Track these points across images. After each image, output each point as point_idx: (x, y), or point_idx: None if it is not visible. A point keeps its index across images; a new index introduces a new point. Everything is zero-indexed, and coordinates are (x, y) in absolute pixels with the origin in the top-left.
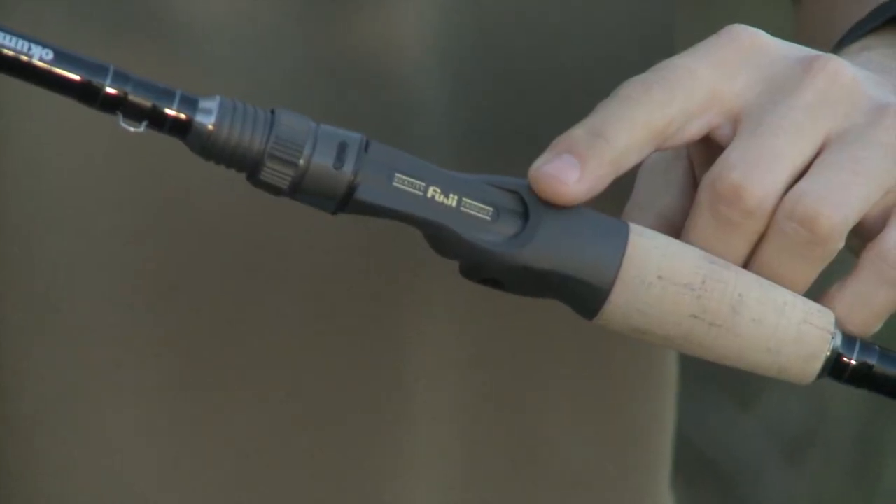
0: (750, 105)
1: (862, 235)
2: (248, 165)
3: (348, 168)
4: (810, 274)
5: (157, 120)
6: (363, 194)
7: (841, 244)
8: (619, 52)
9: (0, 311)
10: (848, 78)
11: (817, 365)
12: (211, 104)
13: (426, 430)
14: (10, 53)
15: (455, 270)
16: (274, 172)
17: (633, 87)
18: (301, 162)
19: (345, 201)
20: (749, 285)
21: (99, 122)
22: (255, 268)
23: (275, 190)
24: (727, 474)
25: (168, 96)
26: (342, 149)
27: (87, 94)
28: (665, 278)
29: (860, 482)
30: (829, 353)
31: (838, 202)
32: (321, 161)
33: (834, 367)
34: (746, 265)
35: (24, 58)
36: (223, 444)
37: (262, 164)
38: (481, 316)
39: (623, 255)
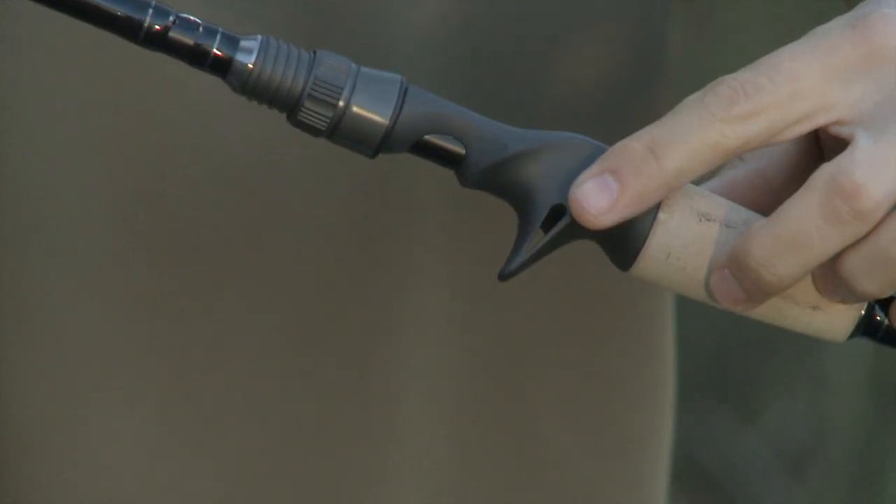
0: (868, 112)
1: None
2: (288, 105)
3: (386, 112)
4: (882, 293)
5: (197, 58)
6: (400, 135)
7: None
8: (611, 46)
9: None
10: None
11: (855, 316)
12: (252, 43)
13: (419, 439)
14: None
15: (451, 277)
16: (312, 114)
17: (718, 96)
18: (340, 104)
19: (382, 145)
20: None
21: (90, 141)
22: (246, 277)
23: (313, 131)
24: (728, 488)
25: (210, 34)
26: (381, 91)
27: (128, 29)
28: (706, 216)
29: (861, 496)
30: (863, 312)
31: None
32: (359, 103)
33: (868, 326)
34: (825, 262)
35: None
36: (216, 451)
37: (301, 104)
38: (477, 324)
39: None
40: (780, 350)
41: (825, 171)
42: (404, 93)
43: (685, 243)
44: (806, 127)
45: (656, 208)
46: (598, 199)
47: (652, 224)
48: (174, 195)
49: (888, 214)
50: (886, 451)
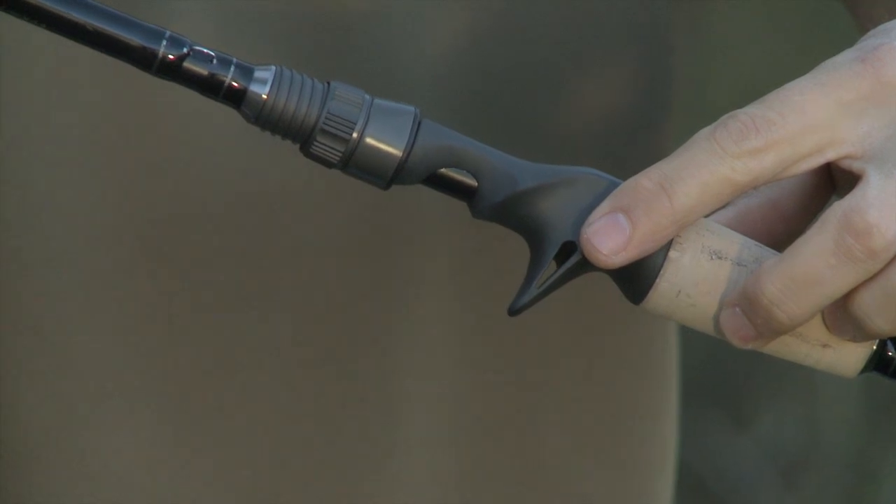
0: (878, 147)
1: None
2: (301, 138)
3: (399, 145)
4: (894, 331)
5: (212, 88)
6: (413, 168)
7: None
8: (613, 48)
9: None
10: None
11: (865, 354)
12: (266, 74)
13: (424, 456)
14: (69, 16)
15: (454, 295)
16: (325, 147)
17: (729, 131)
18: (353, 136)
19: (395, 178)
20: None
21: (98, 152)
22: (251, 289)
23: (326, 164)
24: (722, 494)
25: (224, 64)
26: (395, 124)
27: (143, 59)
28: (717, 254)
29: (854, 503)
30: (874, 347)
31: None
32: (372, 138)
33: (879, 362)
34: (838, 300)
35: (82, 21)
36: (221, 461)
37: (314, 138)
38: (481, 341)
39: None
40: (773, 357)
41: (838, 209)
42: (418, 126)
43: (696, 281)
44: (816, 161)
45: (668, 246)
46: (610, 239)
47: (663, 262)
48: (180, 207)
49: None
50: (879, 459)
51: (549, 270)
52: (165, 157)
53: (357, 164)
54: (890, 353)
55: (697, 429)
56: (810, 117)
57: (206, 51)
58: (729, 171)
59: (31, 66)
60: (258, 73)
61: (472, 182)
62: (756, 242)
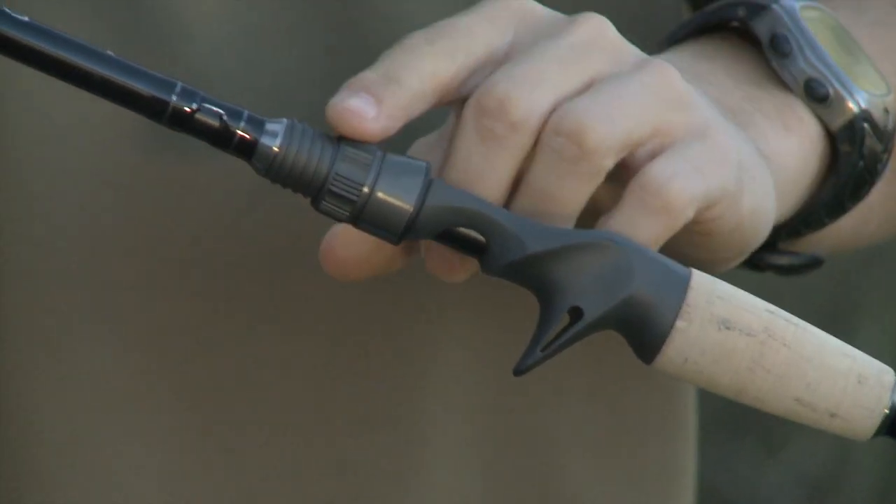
0: (520, 49)
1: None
2: (311, 193)
3: (409, 201)
4: (582, 193)
5: (223, 140)
6: (423, 225)
7: (609, 163)
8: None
9: (9, 357)
10: (613, 33)
11: (874, 422)
12: (277, 127)
13: (445, 473)
14: (79, 64)
15: (476, 314)
16: (333, 206)
17: (419, 39)
18: (359, 199)
19: (406, 233)
20: (808, 339)
21: (105, 171)
22: (270, 310)
23: (336, 219)
24: None
25: (235, 116)
26: (405, 182)
27: (154, 109)
28: (726, 324)
29: None
30: (887, 412)
31: (605, 118)
32: (381, 197)
33: (892, 426)
34: (516, 190)
35: (92, 70)
36: (237, 484)
37: (323, 196)
38: (499, 356)
39: (684, 298)
40: None
41: (470, 100)
42: (429, 183)
43: (703, 350)
44: (482, 77)
45: (676, 314)
46: (365, 108)
47: (670, 330)
48: (199, 219)
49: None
50: None
51: (557, 334)
52: (184, 168)
53: (367, 219)
54: None
55: (729, 455)
56: (472, 32)
57: (217, 102)
58: (433, 66)
59: (44, 77)
60: (269, 126)
61: (483, 240)
62: (768, 307)
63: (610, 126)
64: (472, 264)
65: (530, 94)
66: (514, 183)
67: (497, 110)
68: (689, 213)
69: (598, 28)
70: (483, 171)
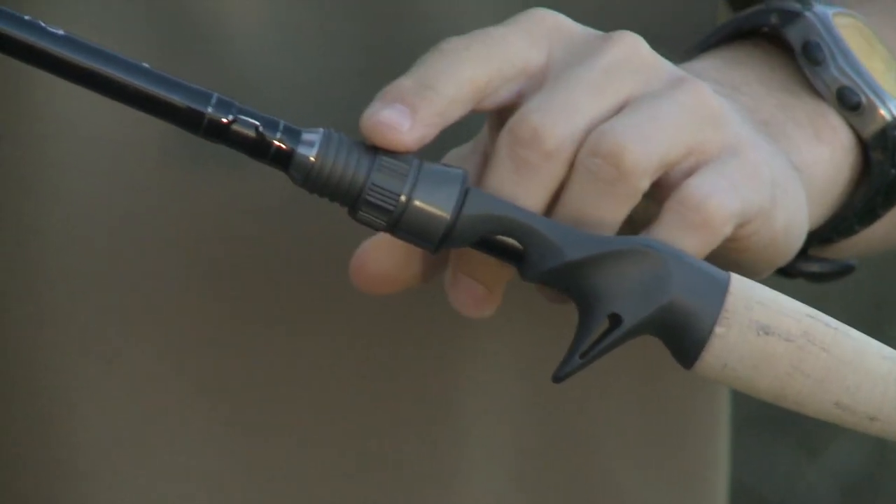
0: (554, 71)
1: (665, 196)
2: (347, 203)
3: (446, 210)
4: (618, 213)
5: (260, 150)
6: (461, 234)
7: (645, 183)
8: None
9: (46, 359)
10: (647, 51)
11: None
12: (313, 136)
13: (483, 475)
14: (116, 77)
15: (511, 312)
16: (371, 215)
17: (455, 44)
18: (396, 208)
19: (443, 242)
20: (847, 342)
21: (149, 174)
22: (310, 314)
23: (373, 228)
24: None
25: (272, 126)
26: (442, 191)
27: (190, 121)
28: (765, 329)
29: None
30: None
31: (641, 139)
32: (419, 206)
33: None
34: (551, 212)
35: (128, 82)
36: (276, 490)
37: (360, 206)
38: (538, 357)
39: (723, 304)
40: None
41: (504, 129)
42: (466, 191)
43: (742, 356)
44: (515, 87)
45: (715, 320)
46: (399, 120)
47: (709, 336)
48: (236, 224)
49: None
50: None
51: (595, 341)
52: (219, 173)
53: (404, 228)
54: None
55: (768, 456)
56: (508, 42)
57: (253, 113)
58: (470, 72)
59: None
60: (306, 136)
61: (520, 248)
62: (808, 311)
63: (646, 147)
64: (496, 300)
65: (565, 123)
66: (550, 203)
67: (531, 140)
68: (728, 230)
69: (631, 47)
70: (517, 199)
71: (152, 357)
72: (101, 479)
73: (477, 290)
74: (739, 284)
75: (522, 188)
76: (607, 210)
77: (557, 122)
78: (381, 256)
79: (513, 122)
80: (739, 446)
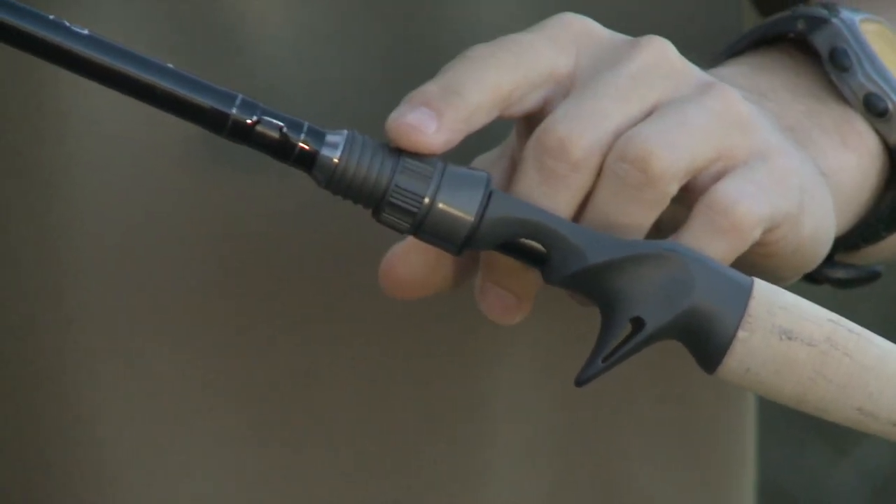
0: (582, 78)
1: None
2: (371, 204)
3: (470, 212)
4: (646, 218)
5: (283, 152)
6: (484, 237)
7: (674, 188)
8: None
9: (72, 360)
10: (675, 56)
11: None
12: (337, 138)
13: (510, 475)
14: (140, 77)
15: (538, 314)
16: (394, 217)
17: (482, 51)
18: (420, 210)
19: (466, 244)
20: (870, 348)
21: (165, 177)
22: (336, 315)
23: (397, 230)
24: None
25: (296, 128)
26: (466, 194)
27: (214, 122)
28: (787, 334)
29: None
30: None
31: (669, 144)
32: (442, 208)
33: None
34: (579, 217)
35: (153, 83)
36: (304, 490)
37: (383, 208)
38: (562, 358)
39: (746, 308)
40: None
41: (532, 138)
42: (489, 194)
43: (764, 361)
44: (542, 94)
45: (737, 325)
46: (426, 123)
47: (731, 340)
48: (263, 226)
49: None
50: None
51: (618, 345)
52: (245, 175)
53: (427, 230)
54: None
55: (797, 454)
56: (535, 48)
57: (276, 114)
58: (496, 78)
59: (104, 88)
60: (330, 138)
61: (544, 251)
62: (831, 317)
63: (674, 152)
64: (526, 308)
65: (593, 131)
66: (578, 209)
67: (558, 150)
68: (756, 234)
69: (660, 52)
70: (545, 207)
71: (175, 358)
72: (125, 479)
73: (507, 300)
74: (762, 289)
75: (550, 198)
76: (635, 215)
77: (585, 131)
78: (411, 260)
79: (540, 131)
80: (768, 445)
